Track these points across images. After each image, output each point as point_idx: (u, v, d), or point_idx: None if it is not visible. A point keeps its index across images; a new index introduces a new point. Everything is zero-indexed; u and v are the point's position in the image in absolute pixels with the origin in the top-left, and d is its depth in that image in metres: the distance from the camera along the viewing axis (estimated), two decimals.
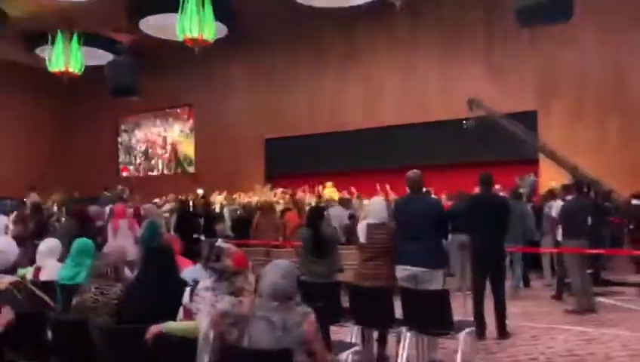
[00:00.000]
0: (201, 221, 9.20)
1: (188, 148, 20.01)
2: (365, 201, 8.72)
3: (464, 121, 10.81)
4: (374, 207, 4.74)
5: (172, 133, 20.36)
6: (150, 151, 20.96)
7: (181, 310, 2.93)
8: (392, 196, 5.96)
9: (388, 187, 11.99)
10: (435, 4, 14.70)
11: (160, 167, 20.69)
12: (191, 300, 2.92)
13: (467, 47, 14.85)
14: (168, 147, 20.46)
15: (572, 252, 6.76)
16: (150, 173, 20.83)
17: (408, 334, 4.08)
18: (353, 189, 13.10)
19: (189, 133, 19.96)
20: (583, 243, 6.70)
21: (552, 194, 8.76)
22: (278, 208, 9.75)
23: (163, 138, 20.60)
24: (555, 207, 7.76)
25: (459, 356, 3.93)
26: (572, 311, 6.60)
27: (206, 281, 2.97)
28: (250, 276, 3.03)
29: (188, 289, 2.98)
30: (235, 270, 2.90)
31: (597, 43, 13.19)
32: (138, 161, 21.23)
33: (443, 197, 9.58)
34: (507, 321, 5.54)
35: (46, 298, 3.39)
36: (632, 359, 4.71)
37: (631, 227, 9.43)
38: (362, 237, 4.61)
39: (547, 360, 4.73)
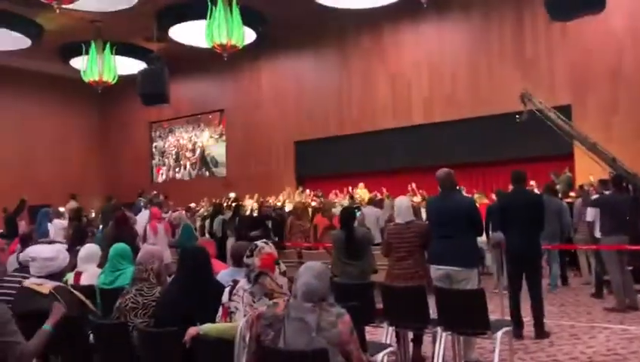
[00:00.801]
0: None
1: (217, 153, 20.26)
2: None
3: (517, 116, 10.67)
4: (400, 207, 4.73)
5: (202, 139, 20.64)
6: (181, 156, 21.30)
7: (220, 309, 2.97)
8: (419, 195, 5.93)
9: (414, 185, 11.92)
10: None
11: (191, 171, 21.00)
12: (230, 299, 2.97)
13: (496, 43, 14.63)
14: (197, 151, 20.75)
15: (611, 249, 6.59)
16: (182, 178, 21.17)
17: (444, 334, 4.04)
18: (384, 190, 13.06)
19: (218, 137, 20.20)
20: (622, 239, 6.52)
21: (581, 189, 8.56)
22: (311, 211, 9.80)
23: (193, 143, 20.90)
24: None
25: (496, 356, 3.88)
26: (612, 309, 6.43)
27: (244, 282, 3.01)
28: (280, 278, 3.05)
29: (227, 288, 3.03)
30: (260, 270, 2.93)
31: (630, 34, 12.83)
32: (170, 166, 21.60)
33: (475, 195, 9.47)
34: (545, 320, 5.44)
35: (87, 302, 3.49)
36: None
37: None
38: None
39: (588, 359, 4.62)
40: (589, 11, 10.45)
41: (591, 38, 13.09)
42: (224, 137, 20.01)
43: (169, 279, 3.72)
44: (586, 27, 12.60)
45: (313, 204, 12.61)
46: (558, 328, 5.62)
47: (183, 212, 9.66)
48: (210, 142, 20.42)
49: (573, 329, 5.61)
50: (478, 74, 14.77)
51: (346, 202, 11.81)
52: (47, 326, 2.86)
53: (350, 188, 14.49)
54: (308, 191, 15.11)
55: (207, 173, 20.40)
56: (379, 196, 11.94)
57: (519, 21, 14.30)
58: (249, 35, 13.50)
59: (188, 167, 21.05)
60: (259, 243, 3.06)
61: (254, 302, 2.89)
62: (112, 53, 14.40)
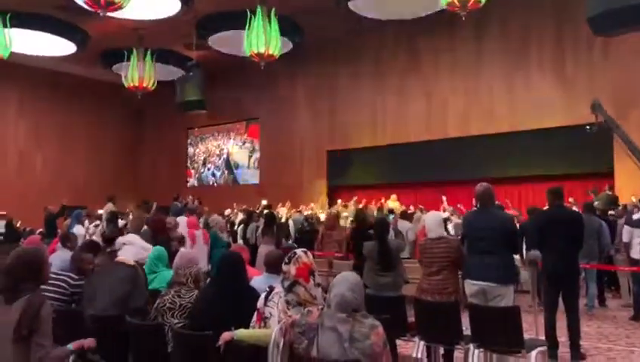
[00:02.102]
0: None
1: (241, 160, 20.60)
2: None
3: (587, 126, 10.49)
4: (430, 222, 4.70)
5: (234, 146, 20.95)
6: (215, 162, 21.63)
7: (255, 314, 3.00)
8: (449, 208, 5.85)
9: (444, 199, 11.79)
10: (500, 12, 14.36)
11: (222, 177, 21.31)
12: (265, 305, 3.00)
13: (535, 57, 14.41)
14: (225, 157, 21.10)
15: None
16: (214, 184, 21.47)
17: (477, 351, 3.98)
18: (419, 206, 12.93)
19: (249, 146, 20.46)
20: None
21: (624, 209, 8.32)
22: (344, 221, 9.78)
23: (226, 151, 21.22)
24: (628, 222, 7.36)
25: None
26: None
27: (279, 288, 3.04)
28: (314, 289, 3.06)
29: (263, 294, 3.05)
30: (294, 279, 2.94)
31: None
32: (202, 172, 21.96)
33: (513, 211, 9.31)
34: (581, 342, 5.29)
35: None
36: None
37: None
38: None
39: None
40: (632, 27, 10.22)
41: (633, 56, 12.78)
42: (252, 146, 20.27)
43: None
44: (627, 44, 12.32)
45: (345, 214, 12.59)
46: (595, 350, 5.47)
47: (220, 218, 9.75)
48: (235, 149, 20.74)
49: (611, 353, 5.44)
50: (515, 88, 14.57)
51: (375, 213, 11.76)
52: (70, 346, 2.89)
53: (383, 199, 14.44)
54: (340, 201, 15.12)
55: (234, 180, 20.69)
56: (411, 209, 11.84)
57: (559, 36, 14.06)
58: (286, 45, 13.66)
59: (218, 173, 21.38)
60: (298, 251, 3.08)
61: (289, 309, 2.90)
62: (152, 60, 14.76)
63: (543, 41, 14.31)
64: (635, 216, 7.26)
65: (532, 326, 5.47)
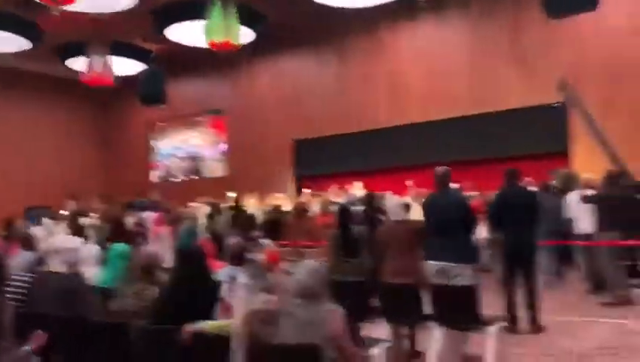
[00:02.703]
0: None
1: (210, 153, 20.45)
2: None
3: (555, 103, 10.66)
4: (392, 206, 4.83)
5: (198, 139, 20.75)
6: (180, 156, 21.40)
7: (219, 304, 3.05)
8: (414, 193, 5.99)
9: (410, 183, 11.97)
10: None
11: (186, 171, 21.13)
12: (229, 295, 3.04)
13: (493, 41, 14.68)
14: (190, 151, 20.90)
15: (605, 244, 6.66)
16: (178, 179, 21.26)
17: (438, 329, 4.11)
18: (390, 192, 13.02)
19: (214, 138, 20.30)
20: (616, 235, 6.58)
21: (547, 188, 8.63)
22: (312, 210, 9.83)
23: (191, 144, 21.01)
24: (573, 199, 7.64)
25: (489, 350, 3.94)
26: (607, 303, 6.50)
27: (243, 278, 3.10)
28: (282, 276, 3.14)
29: (226, 284, 3.10)
30: (264, 266, 3.02)
31: (627, 32, 12.88)
32: (166, 166, 21.71)
33: (472, 193, 9.53)
34: (540, 315, 5.50)
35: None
36: None
37: None
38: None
39: (582, 353, 4.69)
40: (584, 9, 10.51)
41: (588, 37, 13.14)
42: (217, 138, 20.12)
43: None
44: (583, 25, 12.65)
45: (313, 203, 12.65)
46: (552, 323, 5.68)
47: (194, 209, 9.69)
48: (200, 142, 20.57)
49: (569, 324, 5.67)
50: (475, 72, 14.84)
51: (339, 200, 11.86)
52: (29, 347, 2.86)
53: (348, 186, 14.56)
54: (305, 190, 15.18)
55: (200, 174, 20.54)
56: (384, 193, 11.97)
57: (516, 19, 14.36)
58: (247, 35, 13.55)
59: (182, 167, 21.18)
60: (264, 240, 3.15)
61: (252, 297, 2.96)
62: (109, 54, 14.43)
63: (501, 23, 14.59)
64: (588, 193, 7.53)
65: (496, 303, 5.65)
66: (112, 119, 22.10)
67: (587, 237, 7.20)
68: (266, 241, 3.18)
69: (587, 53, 13.15)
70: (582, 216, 7.35)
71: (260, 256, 3.04)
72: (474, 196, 8.99)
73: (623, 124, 12.20)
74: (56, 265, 3.66)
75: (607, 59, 12.99)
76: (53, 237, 4.60)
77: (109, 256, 4.42)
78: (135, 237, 7.26)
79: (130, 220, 7.87)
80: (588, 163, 11.97)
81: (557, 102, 10.63)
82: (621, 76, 12.83)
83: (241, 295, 3.02)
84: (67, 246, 3.69)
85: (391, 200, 5.04)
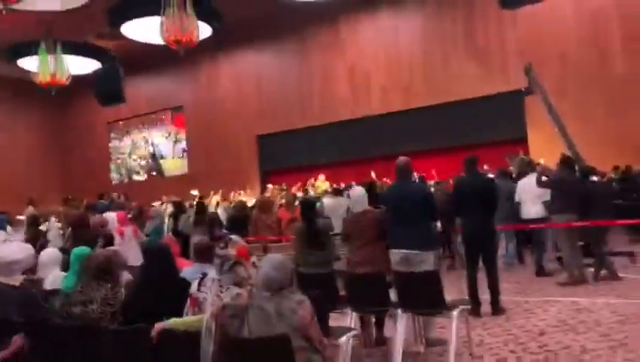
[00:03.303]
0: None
1: (169, 151, 20.24)
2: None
3: (522, 89, 10.88)
4: (356, 197, 4.91)
5: (159, 137, 20.47)
6: (137, 155, 21.07)
7: (188, 300, 3.07)
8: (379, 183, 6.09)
9: (373, 174, 12.16)
10: None
11: (147, 170, 20.83)
12: (198, 290, 3.07)
13: (449, 31, 14.97)
14: (152, 149, 20.62)
15: (561, 226, 6.93)
16: (141, 178, 20.93)
17: (404, 315, 4.23)
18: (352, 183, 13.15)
19: (175, 136, 20.06)
20: (572, 217, 6.84)
21: (505, 175, 8.91)
22: (277, 204, 9.85)
23: (151, 142, 20.71)
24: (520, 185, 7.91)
25: (453, 333, 4.08)
26: (564, 283, 6.78)
27: (213, 273, 3.13)
28: (252, 270, 3.18)
29: (196, 279, 3.12)
30: (236, 260, 3.05)
31: (577, 20, 13.35)
32: (127, 166, 21.34)
33: (432, 182, 9.75)
34: (501, 297, 5.70)
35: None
36: (620, 324, 4.88)
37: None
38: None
39: (540, 330, 4.89)
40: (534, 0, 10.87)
41: (540, 26, 13.56)
42: (178, 135, 19.90)
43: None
44: (534, 15, 13.04)
45: (278, 197, 12.67)
46: (513, 304, 5.91)
47: (158, 208, 9.56)
48: (161, 140, 20.32)
49: (528, 304, 5.90)
50: (432, 63, 15.11)
51: (307, 195, 11.92)
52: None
53: (312, 180, 14.63)
54: (270, 185, 15.17)
55: (161, 172, 20.29)
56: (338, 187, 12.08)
57: (471, 9, 14.67)
58: (205, 31, 13.41)
59: (144, 166, 20.87)
60: (233, 236, 3.19)
61: (222, 292, 3.00)
62: (63, 53, 14.05)
63: (456, 15, 14.89)
64: (544, 178, 7.79)
65: (458, 288, 5.84)
66: (69, 120, 21.55)
67: (535, 221, 7.46)
68: (235, 237, 3.21)
69: (539, 44, 13.57)
70: (530, 201, 7.59)
71: (230, 252, 3.07)
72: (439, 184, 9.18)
73: (572, 110, 12.65)
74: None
75: (558, 48, 13.44)
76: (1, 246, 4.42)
77: (72, 260, 4.35)
78: (97, 238, 7.14)
79: (92, 221, 7.75)
80: (544, 148, 12.38)
81: (523, 88, 10.86)
82: (570, 64, 13.31)
83: (210, 291, 3.05)
84: (10, 258, 3.54)
85: (355, 191, 5.11)
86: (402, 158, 5.03)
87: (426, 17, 15.26)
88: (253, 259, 3.18)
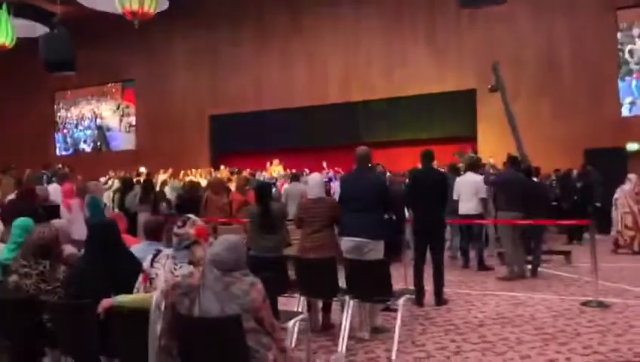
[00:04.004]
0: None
1: (115, 125, 19.71)
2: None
3: (489, 86, 11.03)
4: (312, 184, 4.95)
5: (108, 111, 19.84)
6: (88, 128, 20.34)
7: (141, 275, 3.00)
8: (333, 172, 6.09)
9: (324, 164, 12.22)
10: None
11: (93, 144, 20.17)
12: (152, 266, 3.01)
13: (409, 27, 15.16)
14: (99, 122, 19.99)
15: (505, 223, 7.19)
16: (86, 151, 20.23)
17: (352, 302, 4.29)
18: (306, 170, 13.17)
19: (124, 110, 19.49)
20: (517, 215, 7.09)
21: (455, 170, 9.17)
22: (229, 186, 9.76)
23: (99, 115, 20.03)
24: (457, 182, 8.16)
25: (398, 321, 4.19)
26: (504, 278, 7.05)
27: (167, 250, 3.07)
28: (208, 250, 3.13)
29: (150, 255, 3.05)
30: (195, 239, 3.00)
31: (532, 25, 13.80)
32: (74, 139, 20.58)
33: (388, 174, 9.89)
34: (444, 289, 5.88)
35: None
36: (554, 319, 5.14)
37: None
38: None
39: (479, 322, 5.08)
40: (493, 1, 11.14)
41: (496, 27, 13.93)
42: (126, 110, 19.35)
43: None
44: (491, 16, 13.39)
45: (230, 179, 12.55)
46: (455, 296, 6.11)
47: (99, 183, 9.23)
48: (109, 113, 19.72)
49: (469, 297, 6.12)
50: (391, 56, 15.26)
51: (261, 178, 11.88)
52: None
53: (268, 163, 14.56)
54: (223, 166, 15.00)
55: (108, 147, 19.71)
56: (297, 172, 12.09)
57: (430, 8, 14.89)
58: (162, 4, 13.02)
59: (90, 139, 20.19)
60: (191, 216, 3.13)
61: (175, 269, 2.95)
62: (9, 14, 13.32)
63: (416, 12, 15.07)
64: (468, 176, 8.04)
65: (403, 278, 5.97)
66: (12, 86, 20.45)
67: (471, 217, 7.71)
68: (193, 216, 3.16)
69: (496, 44, 13.94)
70: (467, 197, 7.83)
71: (189, 231, 3.02)
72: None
73: (525, 111, 13.09)
74: None
75: (512, 50, 13.85)
76: None
77: (13, 231, 4.17)
78: (38, 209, 6.87)
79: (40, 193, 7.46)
80: (493, 147, 12.77)
81: (490, 86, 11.06)
82: (523, 66, 13.76)
83: (163, 267, 2.99)
84: None
85: (312, 178, 5.13)
86: (362, 148, 5.08)
87: (387, 12, 15.37)
88: (211, 239, 3.14)
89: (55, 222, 4.80)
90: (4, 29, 13.15)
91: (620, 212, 9.28)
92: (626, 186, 9.37)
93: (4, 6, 13.11)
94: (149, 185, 9.28)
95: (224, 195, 8.54)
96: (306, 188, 6.00)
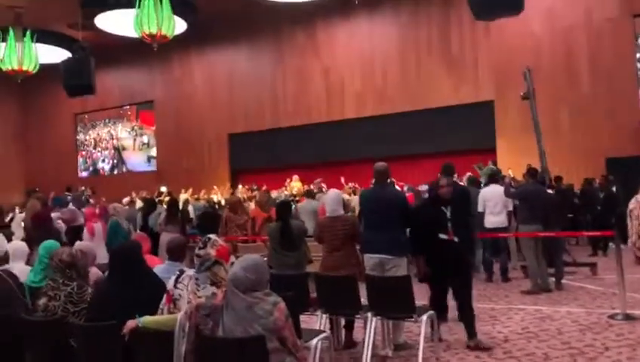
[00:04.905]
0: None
1: (139, 146, 19.99)
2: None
3: (521, 93, 10.99)
4: (330, 201, 4.91)
5: (127, 132, 20.18)
6: (107, 149, 20.69)
7: (165, 296, 3.03)
8: (351, 188, 6.09)
9: (342, 180, 12.17)
10: None
11: (114, 165, 20.48)
12: (175, 286, 3.04)
13: (424, 40, 15.18)
14: (118, 144, 20.32)
15: (527, 236, 7.10)
16: (110, 173, 20.54)
17: (374, 319, 4.27)
18: (324, 184, 13.21)
19: (144, 131, 19.80)
20: (538, 227, 7.01)
21: (475, 183, 9.09)
22: (247, 205, 9.82)
23: (119, 137, 20.38)
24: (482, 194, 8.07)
25: (422, 338, 4.14)
26: (528, 291, 6.95)
27: (190, 271, 3.10)
28: (229, 270, 3.16)
29: (174, 276, 3.09)
30: (216, 259, 3.03)
31: (547, 34, 13.72)
32: (94, 160, 20.93)
33: (404, 188, 9.84)
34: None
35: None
36: (581, 333, 5.04)
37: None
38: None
39: (504, 338, 5.00)
40: (509, 12, 11.07)
41: (512, 38, 13.89)
42: (147, 131, 19.64)
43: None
44: (507, 27, 13.35)
45: (245, 197, 12.63)
46: (479, 310, 5.99)
47: (121, 205, 9.34)
48: (129, 135, 20.05)
49: (493, 311, 6.03)
50: (407, 69, 15.29)
51: (281, 195, 11.93)
52: None
53: (288, 180, 14.62)
54: (240, 186, 15.10)
55: (128, 168, 19.99)
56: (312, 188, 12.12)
57: (446, 19, 14.92)
58: (180, 26, 13.27)
59: (111, 161, 20.52)
60: (212, 236, 3.16)
61: (198, 290, 2.97)
62: (32, 41, 13.71)
63: (431, 24, 15.11)
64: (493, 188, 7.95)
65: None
66: (35, 110, 20.98)
67: (498, 230, 7.63)
68: (214, 236, 3.18)
69: (510, 56, 13.89)
70: (493, 210, 7.75)
71: (210, 252, 3.05)
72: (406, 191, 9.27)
73: (542, 117, 12.91)
74: None
75: (528, 60, 13.75)
76: None
77: (39, 254, 4.24)
78: (58, 233, 6.97)
79: (55, 215, 7.58)
80: (512, 159, 12.66)
81: (523, 93, 10.94)
82: (540, 76, 13.63)
83: (187, 288, 3.02)
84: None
85: (330, 195, 5.11)
86: (380, 163, 5.04)
87: (401, 24, 15.44)
88: (232, 259, 3.16)
89: (80, 244, 4.89)
90: (27, 56, 13.53)
91: (635, 223, 9.09)
92: None
93: (28, 33, 13.49)
94: (174, 204, 9.37)
95: (243, 214, 8.59)
96: (324, 205, 5.98)
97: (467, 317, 4.81)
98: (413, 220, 4.82)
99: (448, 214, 4.76)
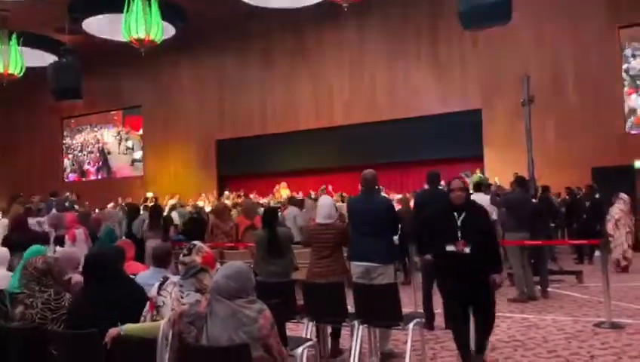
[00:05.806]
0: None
1: (126, 151, 19.87)
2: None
3: (521, 100, 11.01)
4: (321, 208, 4.88)
5: (114, 137, 20.04)
6: (94, 154, 20.51)
7: (148, 303, 2.98)
8: (335, 195, 6.04)
9: (330, 188, 12.16)
10: (380, 4, 15.03)
11: (98, 170, 20.31)
12: (159, 293, 2.99)
13: (413, 48, 15.26)
14: (105, 149, 20.18)
15: (513, 244, 7.12)
16: (93, 178, 20.35)
17: (361, 327, 4.24)
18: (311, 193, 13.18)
19: (130, 136, 19.67)
20: (525, 235, 7.04)
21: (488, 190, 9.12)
22: (233, 212, 9.73)
23: (105, 141, 20.21)
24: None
25: (408, 346, 4.12)
26: (514, 299, 6.96)
27: (174, 277, 3.05)
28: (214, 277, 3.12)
29: (157, 283, 3.04)
30: (201, 266, 2.98)
31: (535, 44, 13.85)
32: (80, 165, 20.73)
33: (393, 196, 9.85)
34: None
35: None
36: (567, 341, 5.05)
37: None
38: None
39: (491, 346, 4.99)
40: (497, 22, 11.15)
41: (500, 47, 14.00)
42: (132, 135, 19.52)
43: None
44: (495, 36, 13.46)
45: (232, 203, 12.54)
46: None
47: (115, 211, 9.23)
48: (116, 139, 19.91)
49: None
50: (395, 77, 15.36)
51: (268, 202, 11.87)
52: None
53: (277, 186, 14.58)
54: (227, 192, 15.02)
55: (114, 173, 19.83)
56: (299, 196, 12.08)
57: (434, 28, 15.01)
58: (168, 31, 13.22)
59: (97, 165, 20.34)
60: (197, 242, 3.11)
61: (182, 297, 2.92)
62: (18, 44, 13.57)
63: (420, 33, 15.20)
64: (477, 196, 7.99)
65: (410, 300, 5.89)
66: (21, 114, 20.74)
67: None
68: (199, 243, 3.14)
69: (498, 65, 14.01)
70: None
71: (196, 259, 3.00)
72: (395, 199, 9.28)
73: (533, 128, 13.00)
74: None
75: (516, 69, 13.87)
76: None
77: (23, 260, 4.16)
78: (39, 238, 6.84)
79: (34, 221, 7.47)
80: (499, 168, 12.73)
81: (522, 99, 10.97)
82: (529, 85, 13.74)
83: (170, 295, 2.97)
84: None
85: (322, 202, 5.07)
86: (370, 171, 5.01)
87: (390, 32, 15.51)
88: (218, 265, 3.11)
89: (64, 249, 4.81)
90: (13, 59, 13.38)
91: (622, 232, 9.18)
92: (622, 206, 9.30)
93: (14, 37, 13.36)
94: (157, 210, 9.27)
95: (229, 220, 8.52)
96: (314, 212, 5.94)
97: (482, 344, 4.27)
98: (418, 225, 4.61)
99: (459, 222, 4.04)
